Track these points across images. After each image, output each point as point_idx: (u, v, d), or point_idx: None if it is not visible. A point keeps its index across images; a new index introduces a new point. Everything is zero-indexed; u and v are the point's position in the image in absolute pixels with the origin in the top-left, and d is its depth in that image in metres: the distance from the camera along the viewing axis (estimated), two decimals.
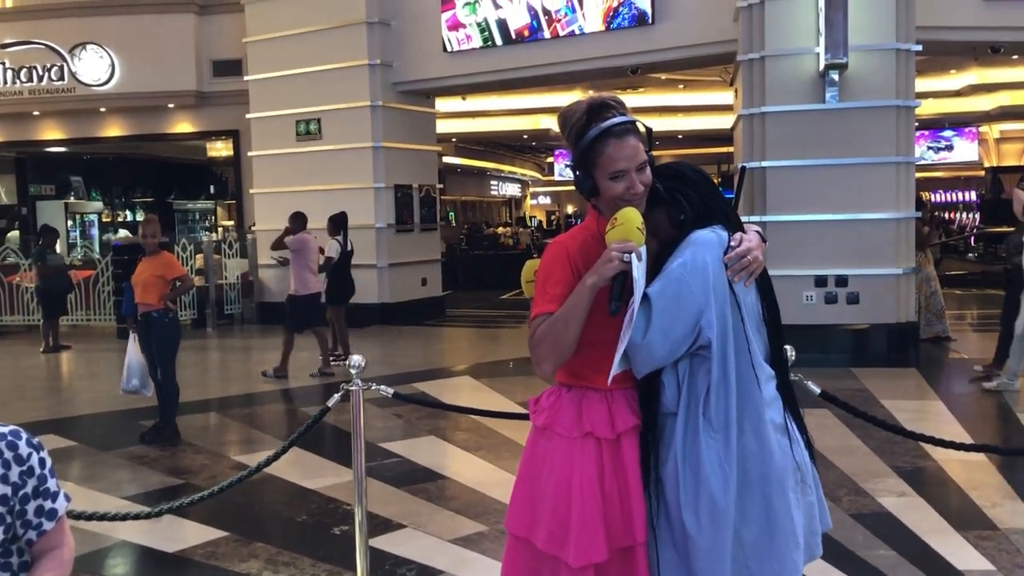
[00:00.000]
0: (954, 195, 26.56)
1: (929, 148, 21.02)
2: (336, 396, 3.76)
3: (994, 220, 19.25)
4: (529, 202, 36.64)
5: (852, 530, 4.37)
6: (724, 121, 15.22)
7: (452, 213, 27.38)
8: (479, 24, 11.95)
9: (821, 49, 8.47)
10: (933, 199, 24.92)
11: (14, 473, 1.64)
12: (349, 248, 9.66)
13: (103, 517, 3.57)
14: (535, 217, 34.62)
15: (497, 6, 11.78)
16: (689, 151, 23.00)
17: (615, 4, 10.96)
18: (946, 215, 25.19)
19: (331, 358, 9.13)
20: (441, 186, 15.12)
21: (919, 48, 8.81)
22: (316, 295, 9.12)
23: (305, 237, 9.11)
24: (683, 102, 18.31)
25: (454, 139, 21.98)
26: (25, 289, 13.24)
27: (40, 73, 14.95)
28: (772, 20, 8.88)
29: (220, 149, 17.65)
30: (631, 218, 1.95)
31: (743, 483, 2.01)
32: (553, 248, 2.13)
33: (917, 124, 10.69)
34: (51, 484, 1.70)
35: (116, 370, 7.61)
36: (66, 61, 14.82)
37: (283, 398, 8.31)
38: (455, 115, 18.61)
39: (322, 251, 9.50)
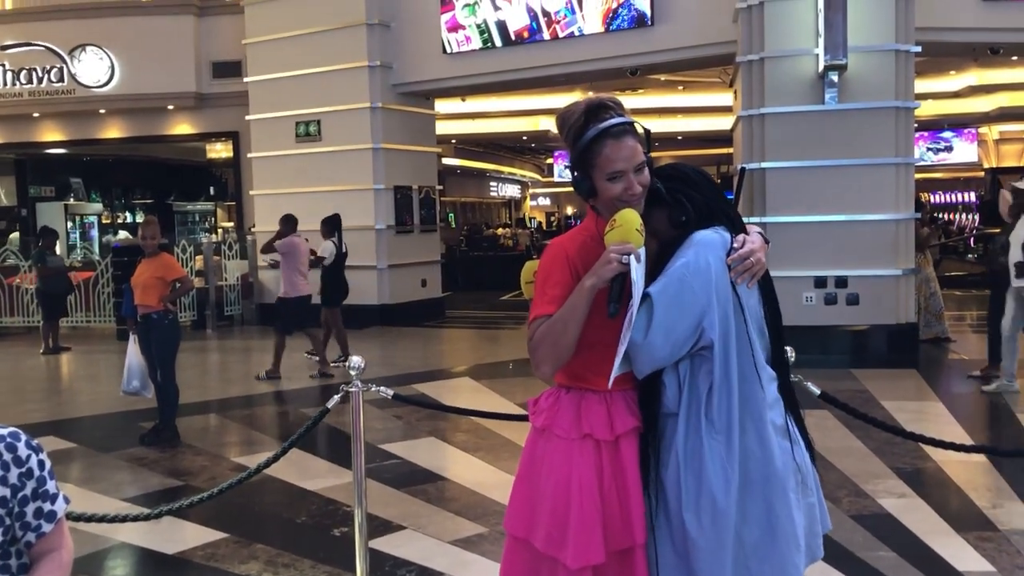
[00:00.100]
0: (953, 196, 26.57)
1: (928, 149, 21.03)
2: (336, 397, 3.76)
3: (993, 221, 19.21)
4: (529, 203, 36.65)
5: (852, 531, 4.37)
6: (723, 122, 15.22)
7: (452, 214, 27.39)
8: (479, 25, 11.95)
9: (820, 50, 8.48)
10: (933, 200, 24.93)
11: (13, 475, 1.64)
12: (343, 250, 9.69)
13: (103, 519, 3.56)
14: (535, 218, 34.63)
15: (496, 7, 11.78)
16: (688, 152, 23.00)
17: (614, 5, 10.97)
18: (945, 216, 25.20)
19: (319, 358, 9.14)
20: (441, 187, 15.14)
21: (918, 49, 8.82)
22: (306, 298, 9.16)
23: (295, 240, 9.18)
24: (682, 103, 18.32)
25: (454, 140, 21.99)
26: (25, 291, 13.24)
27: (40, 75, 14.96)
28: (771, 21, 8.88)
29: (220, 150, 17.66)
30: (630, 220, 1.95)
31: (744, 484, 2.01)
32: (552, 249, 2.13)
33: (916, 125, 10.70)
34: (50, 486, 1.70)
35: (116, 372, 7.62)
36: (66, 63, 14.82)
37: (283, 400, 8.30)
38: (454, 116, 18.63)
39: (314, 253, 9.54)
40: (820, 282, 8.88)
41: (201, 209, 22.91)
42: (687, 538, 2.00)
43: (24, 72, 15.00)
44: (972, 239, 21.87)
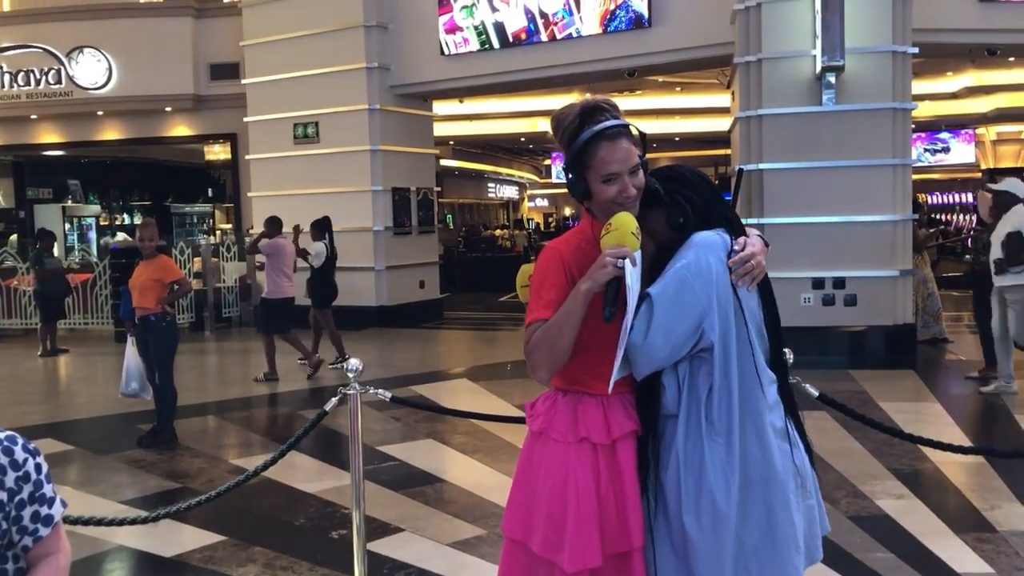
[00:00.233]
0: (951, 197, 26.58)
1: (926, 150, 21.04)
2: (334, 400, 3.76)
3: None
4: (526, 204, 36.67)
5: (850, 532, 4.37)
6: (721, 124, 15.23)
7: (450, 216, 27.38)
8: (476, 27, 11.95)
9: (818, 51, 8.48)
10: (930, 201, 24.93)
11: (10, 479, 1.64)
12: (333, 252, 9.72)
13: (100, 522, 3.56)
14: (532, 219, 34.63)
15: (494, 9, 11.79)
16: (686, 154, 22.99)
17: (612, 7, 10.97)
18: (942, 217, 25.20)
19: (307, 359, 9.15)
20: (439, 189, 15.13)
21: (915, 50, 8.83)
22: (289, 299, 9.19)
23: (280, 242, 9.23)
24: (680, 104, 18.32)
25: (452, 142, 22.00)
26: (23, 293, 13.23)
27: (37, 77, 14.95)
28: (769, 23, 8.89)
29: (218, 152, 17.64)
30: (625, 223, 1.94)
31: (744, 486, 2.00)
32: (547, 253, 2.12)
33: (914, 126, 10.70)
34: (47, 490, 1.70)
35: (114, 374, 7.61)
36: (63, 64, 14.81)
37: (281, 402, 8.30)
38: (452, 118, 18.63)
39: (307, 253, 9.56)
40: (818, 283, 8.89)
41: (199, 211, 22.92)
42: (687, 540, 2.00)
43: (22, 74, 14.99)
44: (969, 240, 21.87)
